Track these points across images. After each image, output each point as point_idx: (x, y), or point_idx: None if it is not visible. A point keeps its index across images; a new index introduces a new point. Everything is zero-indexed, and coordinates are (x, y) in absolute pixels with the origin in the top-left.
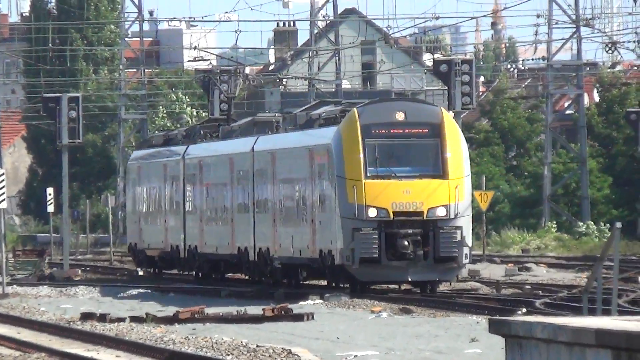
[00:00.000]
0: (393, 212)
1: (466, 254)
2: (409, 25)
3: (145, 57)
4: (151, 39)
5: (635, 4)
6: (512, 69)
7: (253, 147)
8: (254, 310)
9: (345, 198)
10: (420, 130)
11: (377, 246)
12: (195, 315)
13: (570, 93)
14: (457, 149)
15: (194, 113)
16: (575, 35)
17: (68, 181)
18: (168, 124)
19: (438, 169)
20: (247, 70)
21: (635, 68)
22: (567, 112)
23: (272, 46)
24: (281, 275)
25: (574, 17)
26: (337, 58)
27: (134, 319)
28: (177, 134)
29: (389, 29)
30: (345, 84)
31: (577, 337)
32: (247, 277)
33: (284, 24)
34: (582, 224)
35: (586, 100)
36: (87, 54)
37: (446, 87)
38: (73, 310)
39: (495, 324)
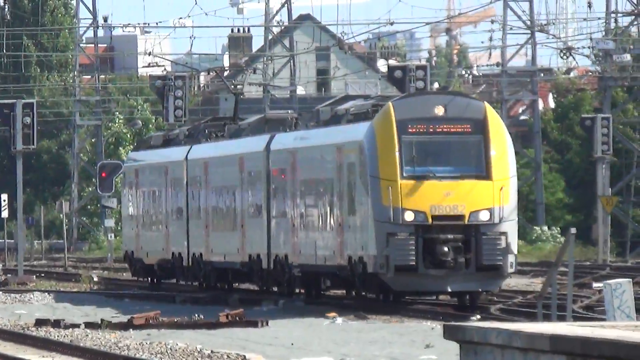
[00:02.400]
0: (432, 216)
1: (511, 262)
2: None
3: (100, 63)
4: (106, 45)
5: (590, 9)
6: (467, 75)
7: (268, 146)
8: (210, 315)
9: (379, 200)
10: (462, 127)
11: (414, 253)
12: (150, 321)
13: (524, 99)
14: (502, 147)
15: (154, 119)
16: (529, 41)
17: (22, 187)
18: (124, 130)
19: (481, 169)
20: (202, 76)
21: (590, 74)
22: (522, 117)
23: (227, 52)
24: (300, 284)
25: (528, 22)
26: (291, 64)
27: (89, 324)
28: (179, 133)
29: (343, 35)
30: (300, 90)
31: (531, 343)
32: (256, 288)
33: (239, 30)
34: (536, 229)
35: (541, 105)
36: (41, 60)
37: (401, 93)
38: (27, 316)
39: (450, 330)
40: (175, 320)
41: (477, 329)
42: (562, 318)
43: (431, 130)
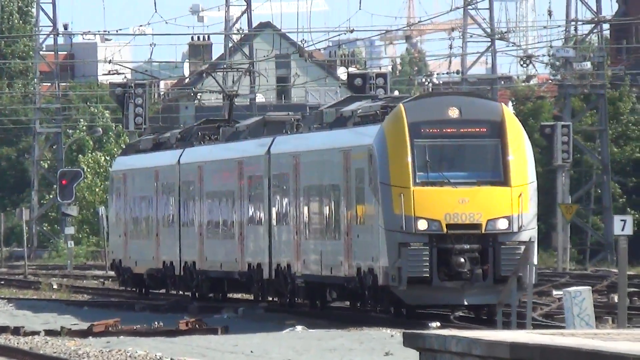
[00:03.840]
0: (447, 225)
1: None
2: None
3: (60, 71)
4: (66, 52)
5: (550, 17)
6: (427, 83)
7: (269, 150)
8: (169, 323)
9: (390, 208)
10: (478, 129)
11: (428, 264)
12: (110, 329)
13: None
14: (520, 151)
15: (114, 127)
16: (490, 49)
17: None
18: (87, 138)
19: (499, 175)
20: (162, 84)
21: (550, 82)
22: None
23: (187, 60)
24: (304, 295)
25: (488, 30)
26: (251, 72)
27: (49, 332)
28: (170, 137)
29: (303, 42)
30: (260, 98)
31: (491, 351)
32: (255, 298)
33: (199, 38)
34: None
35: None
36: (0, 68)
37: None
38: None
39: (410, 338)
40: (135, 327)
41: (437, 336)
42: (522, 326)
43: (445, 133)
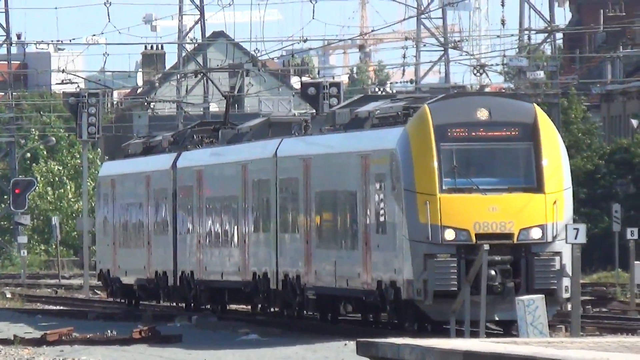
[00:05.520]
0: (476, 235)
1: (567, 286)
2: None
3: (13, 80)
4: (19, 62)
5: (503, 26)
6: (380, 92)
7: (276, 152)
8: (123, 332)
9: (415, 217)
10: (509, 132)
11: (456, 277)
12: (63, 337)
13: None
14: (555, 155)
15: (67, 135)
16: (443, 58)
17: None
18: (41, 147)
19: (532, 181)
20: (115, 93)
21: (503, 91)
22: None
23: (140, 69)
24: (314, 308)
25: (442, 39)
26: (204, 81)
27: (2, 341)
28: (161, 140)
29: (257, 52)
30: (213, 107)
31: (445, 359)
32: (259, 309)
33: (152, 47)
34: None
35: None
36: None
37: (314, 110)
38: None
39: (363, 346)
40: (88, 336)
41: (391, 345)
42: (475, 334)
43: (474, 136)
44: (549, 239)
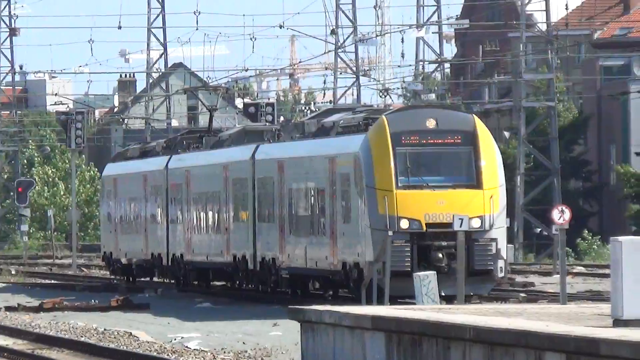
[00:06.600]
0: (426, 224)
1: (501, 267)
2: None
3: (17, 102)
4: (21, 87)
5: (403, 58)
6: (306, 111)
7: (253, 155)
8: (103, 301)
9: (375, 209)
10: (453, 139)
11: (410, 259)
12: (56, 305)
13: None
14: (491, 157)
15: (59, 145)
16: (355, 84)
17: None
18: (36, 154)
19: (472, 179)
20: (97, 112)
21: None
22: None
23: (116, 93)
24: (287, 285)
25: (354, 68)
26: (167, 102)
27: (8, 308)
28: (156, 145)
29: (208, 79)
30: (175, 123)
31: (357, 322)
32: (228, 284)
33: (126, 75)
34: None
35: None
36: None
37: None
38: None
39: (293, 312)
40: (76, 304)
41: (314, 311)
42: (381, 302)
43: (424, 142)
44: (487, 227)
